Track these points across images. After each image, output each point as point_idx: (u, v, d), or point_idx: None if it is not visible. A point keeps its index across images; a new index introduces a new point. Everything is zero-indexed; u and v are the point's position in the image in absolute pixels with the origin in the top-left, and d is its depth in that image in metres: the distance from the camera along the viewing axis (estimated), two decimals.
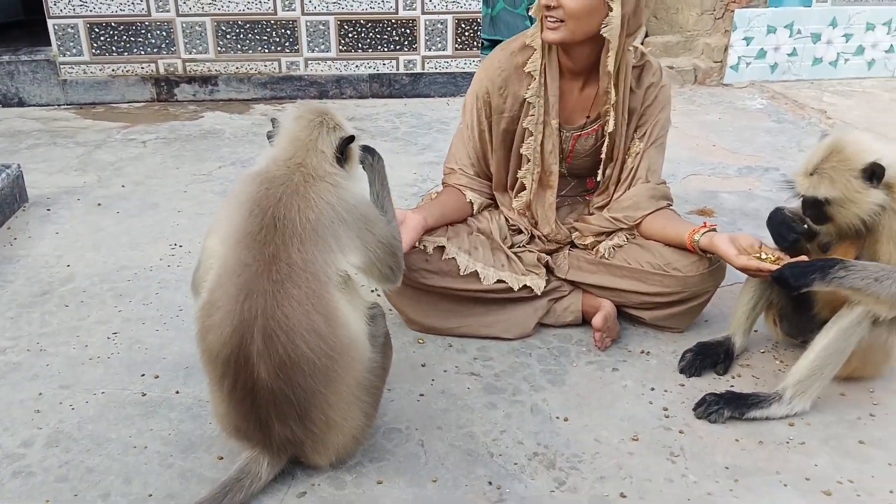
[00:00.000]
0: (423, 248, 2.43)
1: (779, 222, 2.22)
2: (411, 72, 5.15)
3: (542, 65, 2.38)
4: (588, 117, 2.51)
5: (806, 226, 2.18)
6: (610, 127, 2.44)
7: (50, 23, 4.71)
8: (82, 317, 2.57)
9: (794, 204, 2.27)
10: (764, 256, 2.16)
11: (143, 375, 2.27)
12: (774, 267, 2.10)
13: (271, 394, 1.67)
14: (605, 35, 2.25)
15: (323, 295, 1.67)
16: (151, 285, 2.78)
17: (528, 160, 2.50)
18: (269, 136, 1.89)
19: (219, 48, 4.92)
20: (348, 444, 1.87)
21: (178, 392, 2.20)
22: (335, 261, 1.69)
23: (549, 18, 2.24)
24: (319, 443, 1.80)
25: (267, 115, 4.74)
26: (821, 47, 5.67)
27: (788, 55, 5.65)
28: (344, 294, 1.72)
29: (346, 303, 1.72)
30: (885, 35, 5.72)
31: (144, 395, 2.19)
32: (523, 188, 2.56)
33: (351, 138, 1.84)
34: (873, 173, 1.99)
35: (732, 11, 5.47)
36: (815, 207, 2.09)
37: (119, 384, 2.23)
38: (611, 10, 2.22)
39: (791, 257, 2.13)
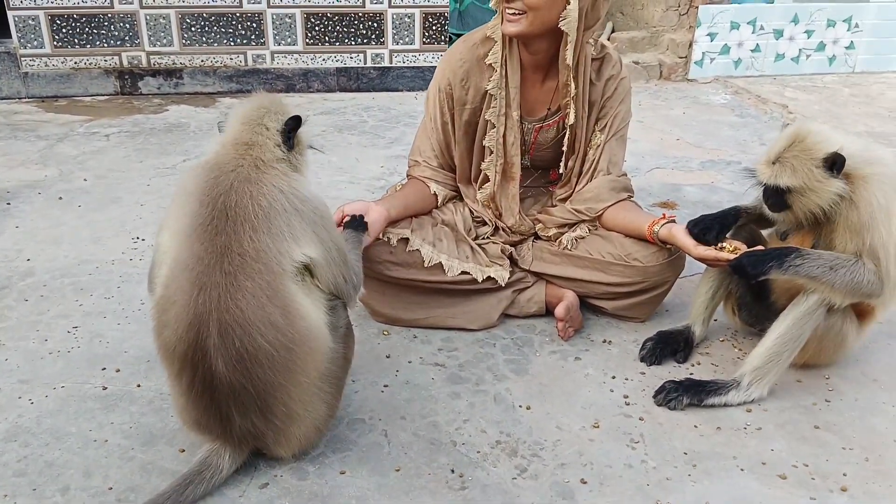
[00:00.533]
0: (386, 239, 2.43)
1: (699, 229, 2.25)
2: (379, 65, 5.14)
3: (502, 57, 2.39)
4: (549, 109, 2.53)
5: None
6: (570, 120, 2.46)
7: (10, 14, 4.62)
8: (42, 311, 2.54)
9: (752, 198, 2.31)
10: (722, 246, 2.20)
11: (103, 369, 2.25)
12: (732, 256, 2.14)
13: (230, 387, 1.66)
14: (563, 28, 2.27)
15: (278, 286, 1.65)
16: (113, 279, 2.75)
17: (491, 152, 2.52)
18: (220, 127, 1.88)
19: (183, 41, 4.87)
20: (311, 435, 1.87)
21: (139, 385, 2.18)
22: (289, 250, 1.68)
23: (508, 11, 2.26)
24: (281, 434, 1.80)
25: (232, 108, 4.70)
26: (783, 43, 5.77)
27: (752, 51, 5.73)
28: (301, 286, 1.71)
29: (303, 294, 1.71)
30: (846, 32, 5.83)
31: (105, 388, 2.17)
32: (487, 180, 2.58)
33: (297, 118, 1.84)
34: (834, 163, 2.04)
35: (697, 7, 5.54)
36: (776, 195, 2.13)
37: (79, 378, 2.21)
38: (568, 4, 2.24)
39: (747, 247, 2.17)
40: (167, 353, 1.71)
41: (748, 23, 5.63)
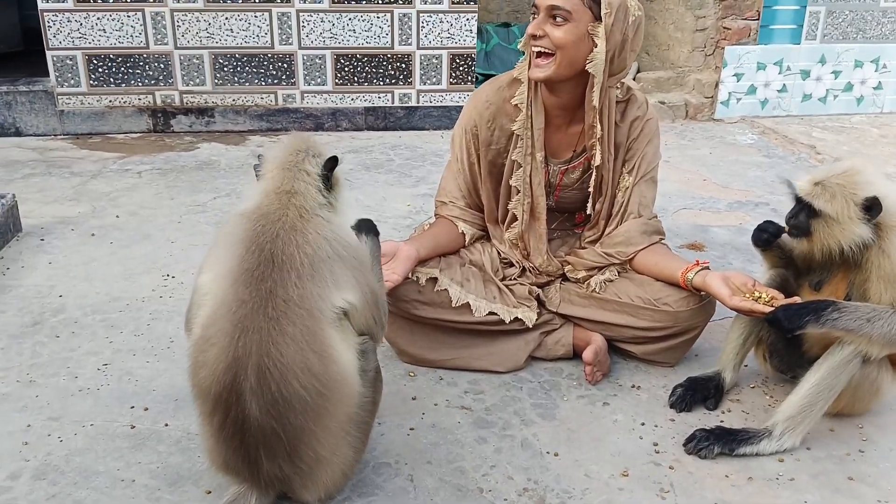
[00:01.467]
0: (415, 279, 2.44)
1: (758, 228, 2.29)
2: (406, 105, 5.21)
3: (528, 99, 2.41)
4: (574, 151, 2.54)
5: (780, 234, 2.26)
6: (597, 161, 2.47)
7: (49, 54, 4.76)
8: (73, 348, 2.57)
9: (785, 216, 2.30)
10: (757, 296, 2.18)
11: (132, 407, 2.27)
12: (768, 309, 2.12)
13: (261, 431, 1.67)
14: (589, 69, 2.29)
15: (317, 332, 1.67)
16: (143, 316, 2.78)
17: (518, 191, 2.53)
18: (256, 170, 1.91)
19: (216, 80, 4.97)
20: (337, 480, 1.86)
21: (167, 424, 2.19)
22: (330, 296, 1.70)
23: (535, 48, 2.29)
24: (308, 479, 1.80)
25: (263, 147, 4.78)
26: (810, 84, 5.76)
27: (778, 91, 5.73)
28: (337, 331, 1.73)
29: (339, 339, 1.73)
30: (874, 72, 5.81)
31: (133, 427, 2.18)
32: (515, 219, 2.58)
33: (334, 159, 1.86)
34: (871, 208, 2.02)
35: (723, 48, 5.56)
36: (805, 216, 2.12)
37: (108, 416, 2.22)
38: (595, 46, 2.27)
39: (784, 297, 2.15)
40: (201, 393, 1.72)
41: (774, 63, 5.64)
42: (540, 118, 2.44)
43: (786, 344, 2.31)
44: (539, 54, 2.31)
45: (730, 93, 5.66)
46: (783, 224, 2.24)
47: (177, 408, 2.25)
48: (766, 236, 2.27)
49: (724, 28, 5.55)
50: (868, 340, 2.03)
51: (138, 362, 2.50)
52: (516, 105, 2.46)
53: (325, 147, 1.91)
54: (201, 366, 1.69)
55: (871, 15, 5.64)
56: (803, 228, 2.13)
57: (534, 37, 2.28)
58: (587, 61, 2.29)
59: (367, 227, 2.19)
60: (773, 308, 2.09)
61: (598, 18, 2.26)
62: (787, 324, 2.04)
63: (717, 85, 5.64)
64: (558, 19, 2.25)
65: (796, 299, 2.11)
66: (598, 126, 2.41)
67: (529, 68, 2.36)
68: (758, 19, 5.51)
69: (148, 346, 2.59)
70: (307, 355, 1.65)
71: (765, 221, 2.32)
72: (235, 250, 1.71)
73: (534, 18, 2.31)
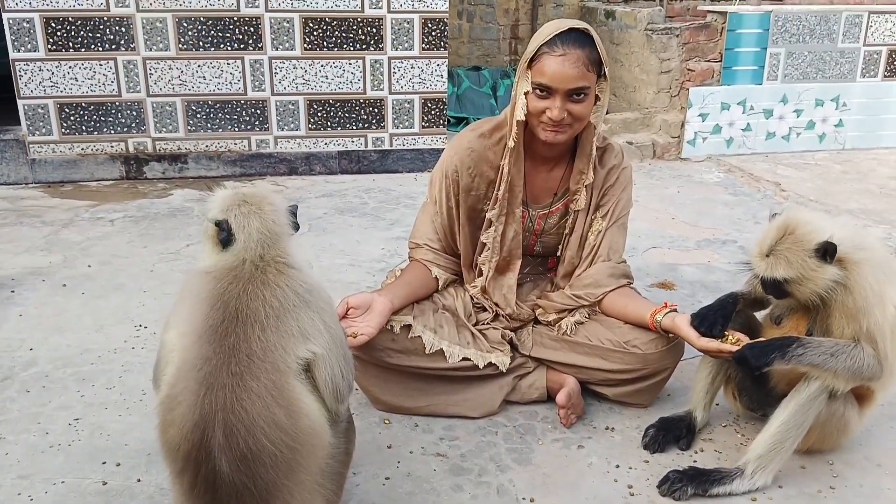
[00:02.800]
0: (389, 327, 2.45)
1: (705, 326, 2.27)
2: (379, 148, 5.26)
3: (513, 155, 2.45)
4: (555, 195, 2.59)
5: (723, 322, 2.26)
6: (580, 205, 2.54)
7: (20, 103, 4.76)
8: (44, 402, 2.54)
9: (746, 283, 2.35)
10: (725, 337, 2.23)
11: (104, 463, 2.24)
12: (735, 348, 2.16)
13: (233, 487, 1.65)
14: (593, 122, 2.41)
15: (283, 386, 1.67)
16: (115, 368, 2.76)
17: (488, 248, 2.56)
18: (212, 219, 1.83)
19: (189, 127, 5.00)
20: None
21: (139, 480, 2.17)
22: (294, 347, 1.70)
23: (554, 124, 2.34)
24: None
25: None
26: (773, 122, 5.92)
27: (743, 130, 5.88)
28: (304, 383, 1.73)
29: (307, 392, 1.72)
30: (834, 110, 5.99)
31: (105, 483, 2.15)
32: (482, 273, 2.62)
33: (294, 207, 1.89)
34: (826, 251, 2.08)
35: (687, 89, 5.70)
36: (775, 287, 2.16)
37: (80, 473, 2.19)
38: (598, 101, 2.38)
39: (749, 337, 2.20)
40: (171, 452, 1.70)
41: (738, 103, 5.79)
42: (520, 175, 2.49)
43: (753, 382, 2.35)
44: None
45: (696, 132, 5.80)
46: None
47: (149, 462, 2.23)
48: (716, 331, 2.24)
49: (688, 70, 5.71)
50: (833, 374, 2.08)
51: (110, 416, 2.47)
52: (497, 153, 2.50)
53: (277, 197, 1.89)
54: (169, 425, 1.68)
55: (829, 55, 5.84)
56: (782, 294, 2.18)
57: (556, 120, 2.32)
58: (592, 113, 2.40)
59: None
60: (739, 347, 2.14)
61: (600, 77, 2.36)
62: (755, 361, 2.08)
63: (683, 125, 5.78)
64: (579, 96, 2.32)
65: (761, 339, 2.15)
66: (591, 172, 2.50)
67: (542, 133, 2.38)
68: (720, 61, 5.68)
69: (120, 400, 2.57)
70: (273, 410, 1.64)
71: (706, 315, 2.28)
72: (200, 307, 1.70)
73: (539, 96, 2.32)
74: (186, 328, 1.70)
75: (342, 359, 1.83)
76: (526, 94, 2.34)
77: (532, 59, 2.33)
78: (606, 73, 2.37)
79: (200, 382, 1.63)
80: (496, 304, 2.63)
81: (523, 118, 2.36)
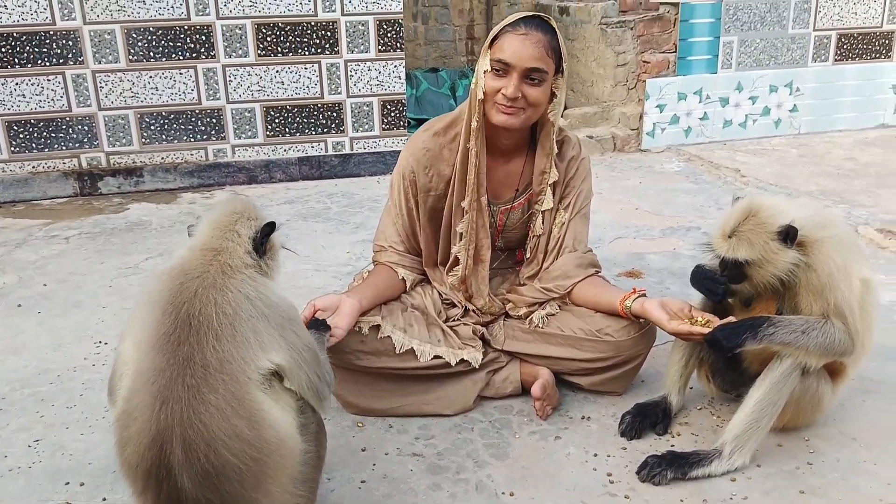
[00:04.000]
0: (358, 328, 2.40)
1: (703, 278, 2.28)
2: (340, 153, 5.21)
3: (476, 144, 2.41)
4: (517, 190, 2.57)
5: (725, 282, 2.24)
6: (547, 205, 2.53)
7: None
8: (1, 426, 2.44)
9: (710, 260, 2.34)
10: (695, 320, 2.22)
11: (67, 484, 2.15)
12: (706, 330, 2.15)
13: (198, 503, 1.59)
14: (551, 119, 2.40)
15: (243, 397, 1.59)
16: (75, 387, 2.66)
17: (462, 238, 2.53)
18: (190, 231, 1.86)
19: (143, 139, 4.89)
20: None
21: (104, 499, 2.09)
22: (254, 358, 1.62)
23: (508, 106, 2.31)
24: None
25: (195, 203, 4.70)
26: (729, 110, 5.98)
27: (700, 119, 5.93)
28: (269, 393, 1.65)
29: (271, 401, 1.64)
30: (788, 96, 6.08)
31: None
32: (457, 263, 2.58)
33: (272, 224, 1.83)
34: (787, 235, 2.08)
35: (644, 81, 5.74)
36: (734, 268, 2.16)
37: (42, 495, 2.11)
38: (555, 97, 2.37)
39: (720, 319, 2.19)
40: (130, 471, 1.63)
41: (694, 93, 5.85)
42: (483, 164, 2.45)
43: (726, 363, 2.35)
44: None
45: (654, 123, 5.84)
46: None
47: (114, 480, 2.15)
48: (721, 293, 2.23)
49: (644, 62, 5.74)
50: (805, 351, 2.08)
51: (72, 436, 2.38)
52: (455, 151, 2.47)
53: (263, 212, 1.87)
54: (126, 442, 1.60)
55: (780, 42, 5.92)
56: (740, 277, 2.18)
57: (511, 98, 2.30)
58: (549, 111, 2.39)
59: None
60: (710, 329, 2.13)
61: (558, 72, 2.35)
62: (726, 343, 2.07)
63: (641, 117, 5.81)
64: (535, 80, 2.30)
65: (731, 319, 2.15)
66: (554, 170, 2.48)
67: (493, 115, 2.35)
68: (675, 52, 5.73)
69: (81, 418, 2.48)
70: (234, 422, 1.56)
71: (705, 277, 2.26)
72: (153, 313, 1.63)
73: (497, 74, 2.30)
74: (140, 336, 1.63)
75: (315, 363, 1.77)
76: (485, 73, 2.32)
77: (494, 39, 2.32)
78: (565, 68, 2.36)
79: (155, 396, 1.56)
80: (470, 297, 2.59)
81: (482, 96, 2.33)
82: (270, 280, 1.80)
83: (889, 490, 2.10)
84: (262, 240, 1.81)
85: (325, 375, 1.83)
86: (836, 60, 6.11)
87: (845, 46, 6.08)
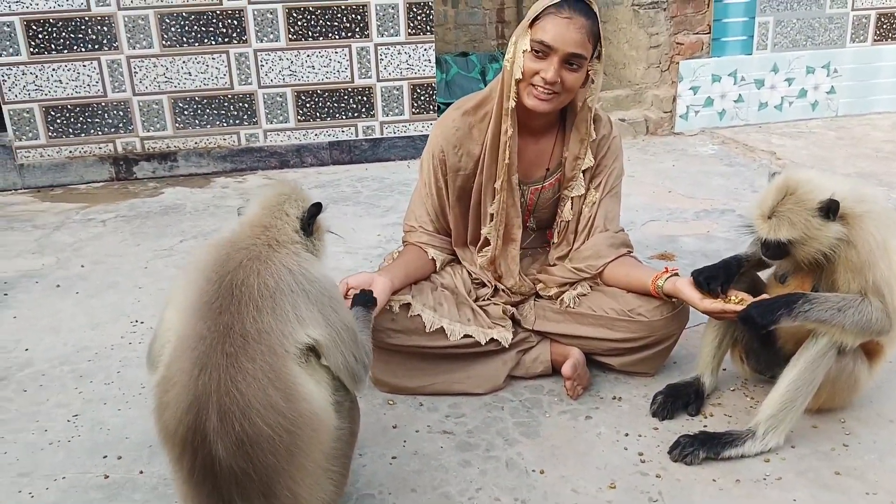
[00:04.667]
0: (388, 307, 2.41)
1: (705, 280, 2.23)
2: (370, 137, 5.22)
3: (509, 125, 2.39)
4: (548, 170, 2.55)
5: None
6: (578, 191, 2.53)
7: (5, 108, 4.70)
8: (41, 401, 2.50)
9: (750, 242, 2.31)
10: (728, 298, 2.19)
11: (105, 457, 2.20)
12: (739, 308, 2.12)
13: (232, 473, 1.59)
14: (590, 104, 2.43)
15: (280, 369, 1.61)
16: (113, 364, 2.72)
17: (492, 218, 2.52)
18: (239, 211, 1.90)
19: (177, 124, 4.94)
20: None
21: (141, 472, 2.13)
22: (293, 332, 1.64)
23: (544, 89, 2.30)
24: None
25: (228, 188, 4.75)
26: (765, 92, 5.88)
27: (735, 101, 5.84)
28: (305, 367, 1.67)
29: (306, 376, 1.66)
30: (825, 77, 5.95)
31: (107, 477, 2.11)
32: (487, 244, 2.58)
33: (318, 205, 1.85)
34: (829, 209, 2.04)
35: (677, 63, 5.66)
36: (777, 248, 2.12)
37: (80, 468, 2.15)
38: (592, 82, 2.38)
39: (753, 297, 2.16)
40: (168, 436, 1.66)
41: (729, 74, 5.75)
42: (515, 144, 2.43)
43: (760, 343, 2.32)
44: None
45: (688, 106, 5.76)
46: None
47: (151, 454, 2.19)
48: (714, 285, 2.21)
49: (677, 43, 5.66)
50: (841, 330, 2.04)
51: (110, 411, 2.43)
52: (482, 130, 2.46)
53: (310, 194, 1.91)
54: (165, 407, 1.63)
55: (818, 22, 5.79)
56: (782, 255, 2.14)
57: (550, 83, 2.28)
58: (587, 97, 2.41)
59: (364, 300, 2.15)
60: (744, 307, 2.10)
61: (595, 56, 2.34)
62: (761, 319, 2.04)
63: (674, 99, 5.74)
64: (574, 65, 2.29)
65: (765, 296, 2.12)
66: (589, 155, 2.49)
67: (527, 98, 2.33)
68: (709, 33, 5.63)
69: (119, 395, 2.53)
70: (269, 393, 1.58)
71: (707, 268, 2.26)
72: (198, 281, 1.67)
73: (536, 56, 2.28)
74: (184, 303, 1.66)
75: (352, 344, 1.78)
76: (524, 52, 2.30)
77: (535, 19, 2.29)
78: (602, 52, 2.34)
79: (194, 362, 1.59)
80: (499, 277, 2.59)
81: (521, 76, 2.31)
82: (316, 259, 1.82)
83: None
84: (310, 220, 1.83)
85: (364, 357, 1.84)
86: (875, 41, 5.96)
87: (885, 26, 5.93)
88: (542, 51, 2.27)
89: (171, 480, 1.96)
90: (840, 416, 2.31)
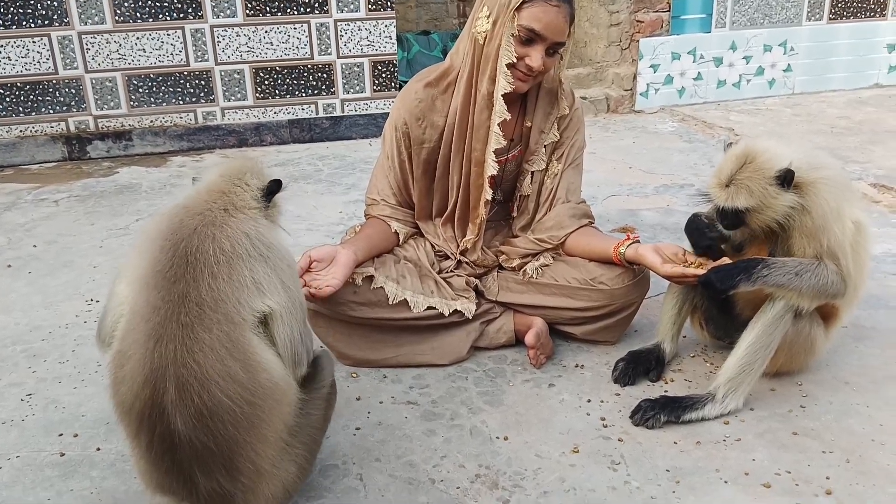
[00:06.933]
0: (351, 280, 2.39)
1: (693, 229, 2.27)
2: (331, 115, 5.15)
3: (504, 109, 2.34)
4: (511, 140, 2.54)
5: (717, 231, 2.22)
6: (538, 166, 2.54)
7: None
8: None
9: (710, 211, 2.33)
10: (688, 263, 2.21)
11: (60, 435, 2.15)
12: (700, 272, 2.14)
13: (191, 446, 1.56)
14: (559, 79, 2.46)
15: (238, 338, 1.56)
16: (67, 343, 2.65)
17: (465, 192, 2.51)
18: (194, 180, 1.83)
19: (131, 103, 4.83)
20: (280, 496, 1.74)
21: (99, 449, 2.08)
22: (249, 299, 1.59)
23: (525, 74, 2.29)
24: (250, 493, 1.67)
25: (185, 167, 4.65)
26: (723, 70, 5.94)
27: (694, 79, 5.89)
28: (263, 337, 1.63)
29: (265, 346, 1.62)
30: (782, 55, 6.03)
31: (63, 454, 2.06)
32: (453, 217, 2.56)
33: (278, 182, 1.81)
34: (785, 178, 2.07)
35: (637, 41, 5.69)
36: (734, 216, 2.14)
37: (35, 446, 2.10)
38: (562, 59, 2.38)
39: (713, 261, 2.18)
40: (125, 412, 1.61)
41: (688, 52, 5.80)
42: (504, 116, 2.38)
43: (719, 309, 2.35)
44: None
45: (648, 84, 5.79)
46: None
47: (108, 431, 2.14)
48: (708, 242, 2.23)
49: (638, 21, 5.68)
50: (798, 293, 2.07)
51: (65, 389, 2.38)
52: (445, 101, 2.44)
53: (271, 172, 1.85)
54: (121, 381, 1.58)
55: (775, 0, 5.86)
56: (737, 224, 2.16)
57: (536, 70, 2.27)
58: (554, 72, 2.43)
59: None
60: (704, 271, 2.12)
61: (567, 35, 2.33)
62: (720, 284, 2.07)
63: (635, 77, 5.77)
64: (556, 51, 2.29)
65: (725, 260, 2.14)
66: (554, 130, 2.51)
67: (513, 81, 2.30)
68: (668, 10, 5.67)
69: (74, 373, 2.47)
70: (228, 363, 1.54)
71: (696, 228, 2.26)
72: (151, 250, 1.61)
73: (521, 42, 2.24)
74: (136, 274, 1.61)
75: (301, 321, 1.72)
76: (512, 37, 2.26)
77: (523, 4, 2.23)
78: (574, 31, 2.34)
79: (149, 334, 1.54)
80: (464, 251, 2.57)
81: (514, 60, 2.27)
82: (274, 226, 1.78)
83: (881, 431, 2.11)
84: (269, 195, 1.78)
85: (308, 341, 1.77)
86: (830, 19, 6.06)
87: (840, 5, 6.03)
88: (529, 38, 2.24)
89: (129, 457, 1.92)
90: (797, 378, 2.35)
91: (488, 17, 2.29)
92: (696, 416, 2.15)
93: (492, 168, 2.41)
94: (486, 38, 2.30)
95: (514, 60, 2.27)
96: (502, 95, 2.31)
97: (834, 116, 5.52)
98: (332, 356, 1.89)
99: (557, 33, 2.24)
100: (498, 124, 2.35)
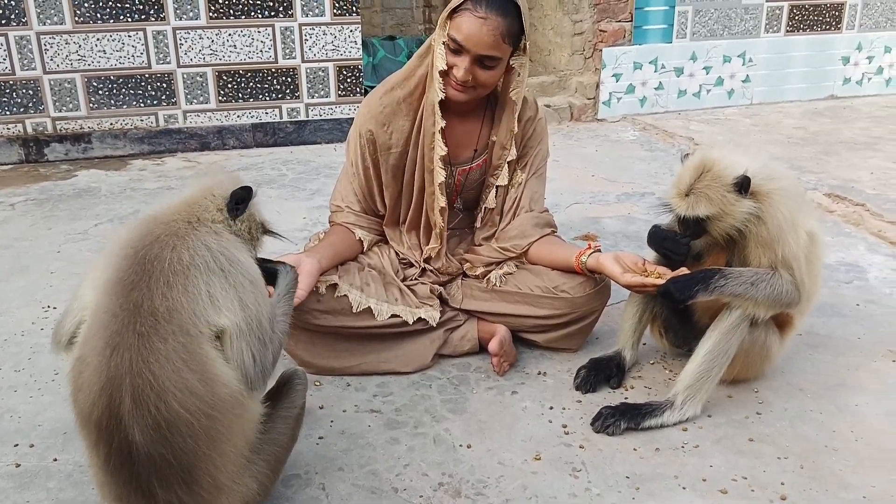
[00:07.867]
0: (315, 288, 2.38)
1: (663, 239, 2.30)
2: (295, 119, 5.13)
3: (439, 118, 2.38)
4: (475, 150, 2.56)
5: (688, 240, 2.27)
6: (502, 181, 2.55)
7: None
8: None
9: (668, 220, 2.37)
10: (648, 273, 2.25)
11: (16, 445, 2.10)
12: (659, 282, 2.18)
13: (150, 458, 1.53)
14: (513, 97, 2.42)
15: (195, 351, 1.54)
16: (23, 351, 2.60)
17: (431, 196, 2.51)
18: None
19: (91, 104, 4.75)
20: None
21: (56, 459, 2.05)
22: (205, 312, 1.57)
23: (458, 84, 2.29)
24: None
25: (146, 170, 4.59)
26: (684, 80, 6.05)
27: (655, 89, 5.99)
28: (220, 350, 1.60)
29: (222, 360, 1.59)
30: (741, 66, 6.16)
31: (18, 465, 2.02)
32: (418, 225, 2.57)
33: (247, 189, 1.79)
34: (742, 185, 2.12)
35: (600, 50, 5.76)
36: (695, 225, 2.19)
37: None
38: (518, 75, 2.37)
39: (671, 271, 2.22)
40: (84, 420, 1.58)
41: (650, 62, 5.89)
42: (440, 125, 2.41)
43: (678, 318, 2.39)
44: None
45: (610, 93, 5.87)
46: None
47: (65, 441, 2.11)
48: (684, 250, 2.25)
49: (601, 31, 5.76)
50: (754, 302, 2.13)
51: (20, 398, 2.33)
52: (411, 104, 2.44)
53: (243, 180, 1.84)
54: (79, 388, 1.55)
55: (734, 12, 5.99)
56: (699, 233, 2.20)
57: (461, 81, 2.26)
58: (511, 89, 2.40)
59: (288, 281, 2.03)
60: (663, 281, 2.16)
61: (518, 50, 2.33)
62: (679, 294, 2.11)
63: (597, 86, 5.84)
64: (487, 65, 2.27)
65: (683, 270, 2.18)
66: (513, 148, 2.50)
67: (445, 89, 2.32)
68: (631, 21, 5.76)
69: (30, 381, 2.42)
70: (185, 375, 1.52)
71: (665, 238, 2.28)
72: (115, 257, 1.60)
73: (451, 51, 2.26)
74: (99, 279, 1.59)
75: (256, 342, 1.65)
76: (443, 44, 2.29)
77: (454, 11, 2.26)
78: (527, 46, 2.34)
79: (107, 342, 1.52)
80: (427, 259, 2.58)
81: (444, 67, 2.30)
82: (242, 242, 1.76)
83: (833, 437, 2.17)
84: (236, 204, 1.77)
85: (267, 364, 1.68)
86: (787, 31, 6.20)
87: (797, 17, 6.18)
88: (455, 48, 2.26)
89: (87, 468, 1.89)
90: (753, 385, 2.40)
91: (437, 26, 2.33)
92: (655, 422, 2.19)
93: (440, 175, 2.42)
94: (434, 51, 2.33)
95: (445, 68, 2.29)
96: (440, 103, 2.34)
97: (790, 127, 5.65)
98: (306, 377, 1.88)
99: (480, 46, 2.22)
100: (442, 131, 2.38)
